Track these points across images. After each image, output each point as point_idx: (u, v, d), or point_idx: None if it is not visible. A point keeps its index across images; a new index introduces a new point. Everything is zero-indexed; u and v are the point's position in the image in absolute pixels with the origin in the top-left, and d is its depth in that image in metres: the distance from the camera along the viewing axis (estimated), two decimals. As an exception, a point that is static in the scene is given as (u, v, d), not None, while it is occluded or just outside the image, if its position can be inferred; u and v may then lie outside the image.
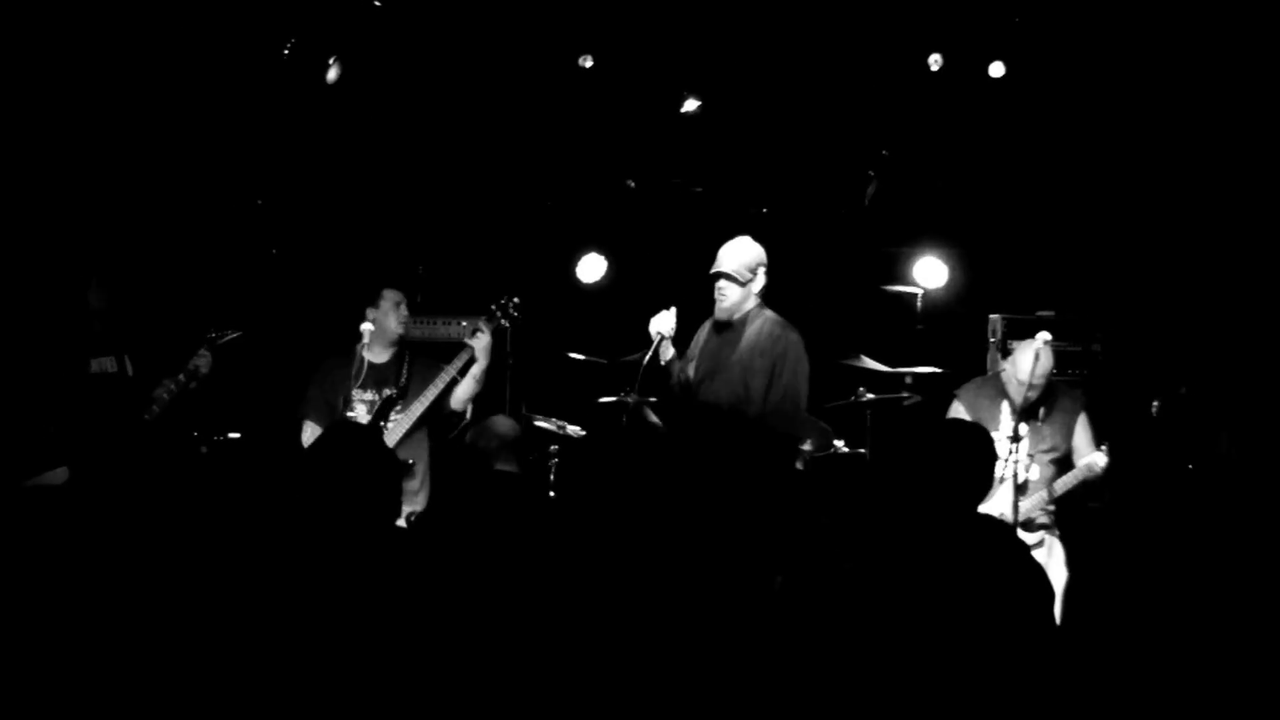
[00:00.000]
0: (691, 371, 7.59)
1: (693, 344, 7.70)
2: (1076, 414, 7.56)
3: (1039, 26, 8.87)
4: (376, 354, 7.77)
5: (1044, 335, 7.39)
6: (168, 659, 3.61)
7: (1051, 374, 7.51)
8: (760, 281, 7.50)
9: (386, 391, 7.63)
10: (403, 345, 7.85)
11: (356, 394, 7.66)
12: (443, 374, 7.66)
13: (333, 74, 9.11)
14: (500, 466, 6.40)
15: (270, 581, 3.76)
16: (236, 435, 7.83)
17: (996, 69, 9.11)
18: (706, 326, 7.68)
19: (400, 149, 9.83)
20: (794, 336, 7.42)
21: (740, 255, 7.49)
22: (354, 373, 7.59)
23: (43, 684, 3.61)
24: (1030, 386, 7.29)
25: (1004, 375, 7.58)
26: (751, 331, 7.45)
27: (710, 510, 3.29)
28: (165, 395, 7.47)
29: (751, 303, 7.51)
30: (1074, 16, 8.78)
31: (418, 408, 7.58)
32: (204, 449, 7.65)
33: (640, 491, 3.89)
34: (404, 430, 7.53)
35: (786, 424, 7.30)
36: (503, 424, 6.61)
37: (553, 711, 3.42)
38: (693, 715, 3.30)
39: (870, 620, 3.84)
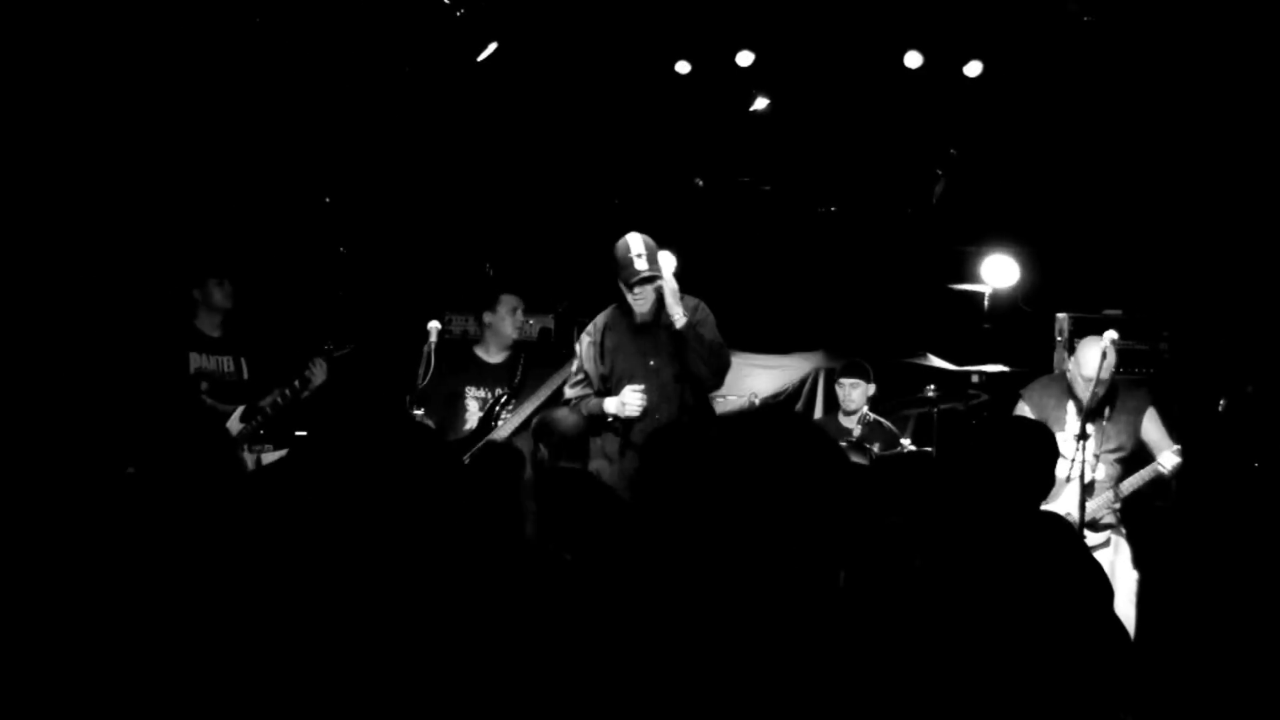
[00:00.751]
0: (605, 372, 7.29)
1: (593, 349, 7.31)
2: (1143, 411, 7.46)
3: (1109, 26, 8.82)
4: (492, 354, 8.02)
5: (1111, 333, 7.32)
6: (204, 653, 3.67)
7: (1115, 372, 7.45)
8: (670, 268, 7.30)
9: (499, 390, 7.83)
10: (517, 348, 8.08)
11: (470, 390, 7.89)
12: (553, 378, 7.75)
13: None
14: (564, 464, 6.38)
15: (312, 577, 3.81)
16: (303, 433, 7.94)
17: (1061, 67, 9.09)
18: (615, 328, 7.31)
19: (470, 147, 9.89)
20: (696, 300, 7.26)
21: (666, 260, 7.28)
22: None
23: (83, 673, 3.67)
24: (1098, 382, 7.22)
25: (1069, 374, 7.52)
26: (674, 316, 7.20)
27: (773, 506, 3.32)
28: (278, 400, 7.61)
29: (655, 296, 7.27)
30: (1144, 14, 8.72)
31: (528, 408, 7.66)
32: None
33: (705, 487, 3.92)
34: (511, 429, 7.63)
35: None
36: (566, 419, 6.56)
37: (619, 704, 3.46)
38: (754, 710, 3.33)
39: (934, 617, 3.86)
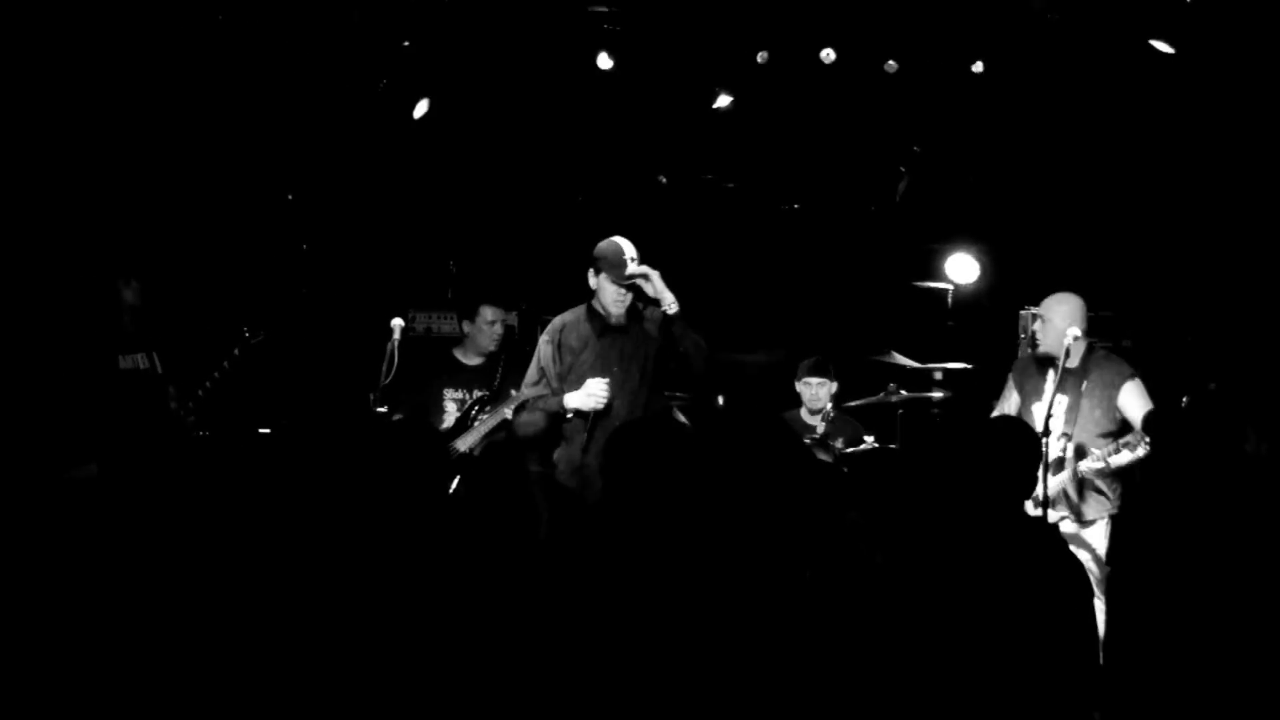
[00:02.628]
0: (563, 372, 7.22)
1: (550, 349, 7.24)
2: (1119, 386, 7.20)
3: (1072, 24, 8.84)
4: (470, 358, 8.12)
5: (1074, 329, 7.18)
6: (189, 651, 3.64)
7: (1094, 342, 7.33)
8: None
9: (478, 392, 7.91)
10: (495, 354, 8.12)
11: (448, 392, 7.98)
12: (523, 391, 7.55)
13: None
14: (533, 467, 6.39)
15: (297, 574, 3.78)
16: (266, 430, 7.89)
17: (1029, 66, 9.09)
18: (578, 330, 7.24)
19: (432, 145, 9.85)
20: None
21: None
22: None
23: (64, 674, 3.64)
24: (1071, 337, 7.09)
25: (1038, 334, 7.34)
26: (646, 315, 7.23)
27: (739, 506, 3.31)
28: (200, 394, 7.55)
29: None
30: (1106, 15, 8.75)
31: (505, 410, 7.58)
32: (236, 441, 7.71)
33: (672, 488, 3.91)
34: (488, 429, 7.64)
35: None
36: (523, 422, 6.60)
37: (587, 705, 3.44)
38: (722, 710, 3.32)
39: (899, 614, 3.85)
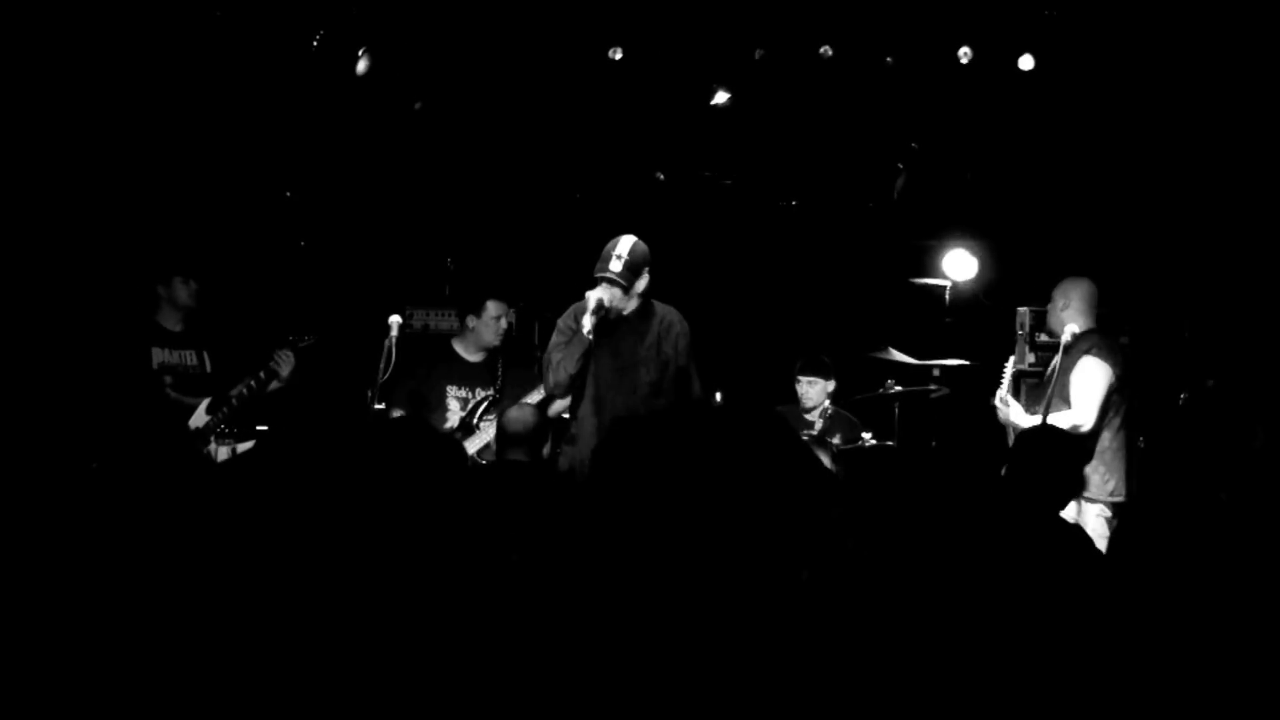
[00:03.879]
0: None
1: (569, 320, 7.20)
2: (1074, 365, 7.27)
3: (1069, 19, 8.84)
4: (470, 354, 8.11)
5: (1072, 327, 7.29)
6: (188, 652, 3.63)
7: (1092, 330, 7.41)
8: (644, 281, 7.12)
9: (482, 392, 7.92)
10: (495, 349, 8.14)
11: (451, 390, 7.97)
12: (537, 390, 7.61)
13: (362, 65, 9.16)
14: (512, 456, 6.39)
15: (296, 574, 3.78)
16: (262, 429, 7.91)
17: (1026, 62, 9.06)
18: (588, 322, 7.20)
19: (429, 141, 9.85)
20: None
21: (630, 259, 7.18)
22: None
23: (55, 677, 3.63)
24: (1069, 335, 7.25)
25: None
26: (656, 320, 7.21)
27: (735, 502, 3.30)
28: (244, 392, 7.58)
29: (635, 301, 7.16)
30: (1104, 9, 8.75)
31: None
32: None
33: (666, 482, 3.90)
34: (491, 437, 7.59)
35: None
36: (515, 414, 6.58)
37: (575, 706, 3.44)
38: (720, 709, 3.31)
39: (892, 610, 3.86)
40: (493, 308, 8.05)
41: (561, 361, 6.93)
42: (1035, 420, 7.08)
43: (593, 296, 6.91)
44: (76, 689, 3.53)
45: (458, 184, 10.24)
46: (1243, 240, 9.31)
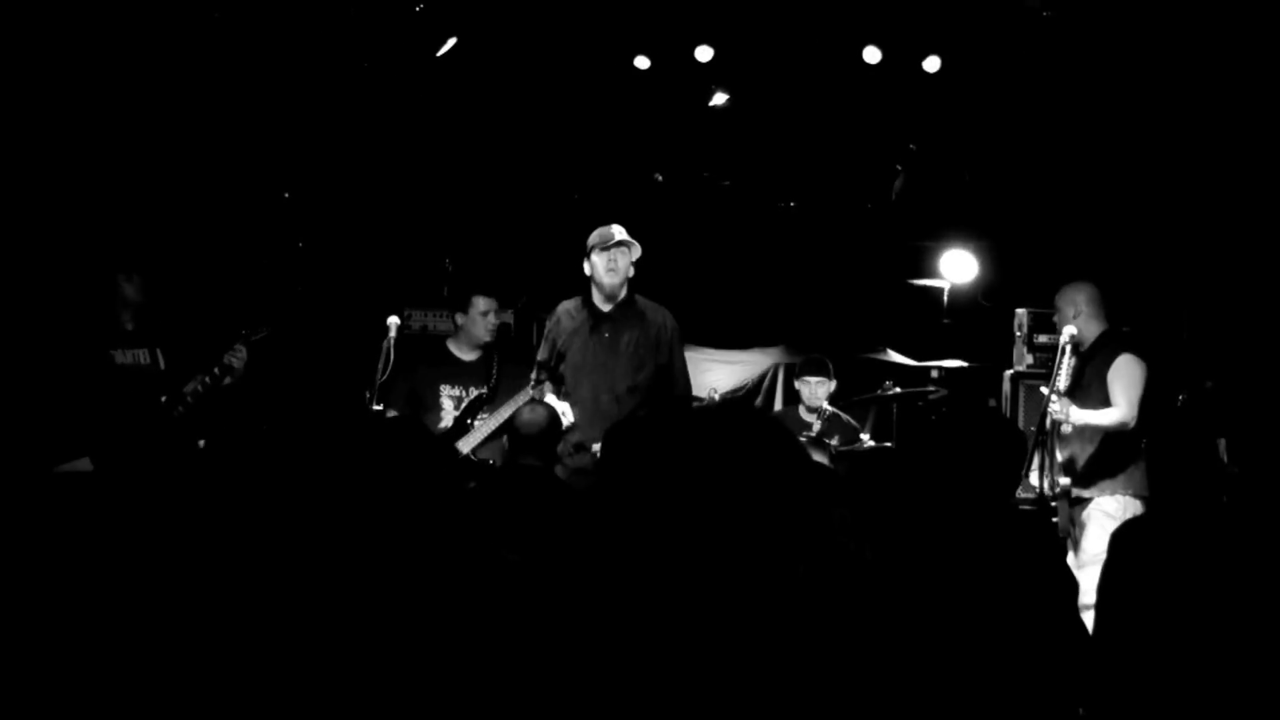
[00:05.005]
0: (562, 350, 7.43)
1: (561, 324, 7.49)
2: (1110, 362, 7.29)
3: (1067, 20, 8.84)
4: (465, 352, 7.96)
5: (1070, 328, 7.31)
6: (181, 654, 3.63)
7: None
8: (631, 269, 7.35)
9: (475, 390, 7.78)
10: (490, 347, 8.00)
11: (445, 389, 7.82)
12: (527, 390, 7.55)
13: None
14: (525, 460, 6.31)
15: (294, 575, 3.77)
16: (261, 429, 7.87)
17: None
18: (578, 317, 7.44)
19: (428, 142, 9.86)
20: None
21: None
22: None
23: (52, 678, 3.63)
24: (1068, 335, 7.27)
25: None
26: (646, 318, 7.35)
27: (731, 502, 3.30)
28: (198, 388, 7.53)
29: (623, 293, 7.36)
30: (1102, 9, 8.75)
31: (506, 410, 7.42)
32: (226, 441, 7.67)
33: (663, 483, 3.90)
34: (490, 430, 7.55)
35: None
36: (529, 416, 6.47)
37: (576, 704, 3.44)
38: (714, 709, 3.31)
39: (891, 612, 3.85)
40: (480, 303, 7.91)
41: (536, 419, 6.99)
42: (1075, 414, 7.16)
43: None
44: (69, 687, 3.53)
45: (456, 185, 10.24)
46: (1241, 241, 9.30)
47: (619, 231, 7.25)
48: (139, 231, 8.56)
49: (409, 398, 7.76)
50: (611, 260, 7.22)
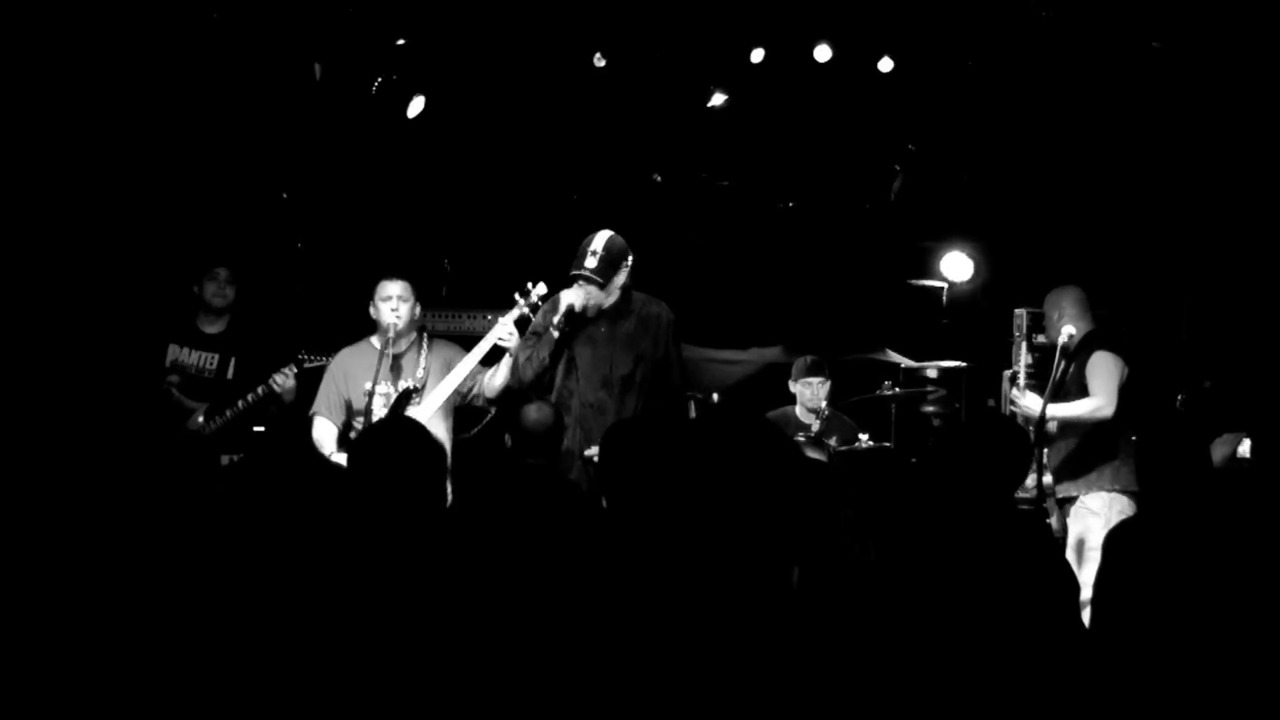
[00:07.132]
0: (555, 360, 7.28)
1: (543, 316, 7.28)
2: (1085, 364, 7.42)
3: (1066, 21, 8.84)
4: (398, 345, 7.29)
5: (1069, 328, 7.38)
6: (186, 653, 3.63)
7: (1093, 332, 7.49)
8: (623, 275, 7.22)
9: (403, 384, 7.19)
10: (420, 336, 7.42)
11: (378, 389, 7.18)
12: (463, 363, 7.22)
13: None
14: (530, 461, 6.24)
15: (293, 575, 3.77)
16: (260, 429, 7.84)
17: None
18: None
19: (426, 142, 9.84)
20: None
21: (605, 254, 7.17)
22: (374, 366, 7.22)
23: (60, 678, 3.63)
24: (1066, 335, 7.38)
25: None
26: (643, 311, 7.30)
27: (727, 503, 3.31)
28: (240, 406, 7.51)
29: (615, 295, 7.24)
30: (1102, 10, 8.74)
31: (435, 399, 7.17)
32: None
33: (662, 484, 3.90)
34: (433, 409, 7.14)
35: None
36: (535, 414, 6.32)
37: (573, 704, 3.44)
38: (710, 710, 3.31)
39: (890, 614, 3.85)
40: (385, 288, 7.29)
41: (528, 360, 7.09)
42: (1050, 408, 7.29)
43: (565, 299, 7.11)
44: (72, 683, 3.53)
45: (455, 186, 10.22)
46: (1240, 241, 9.30)
47: (588, 259, 7.07)
48: (225, 235, 8.59)
49: (339, 404, 7.35)
50: (579, 286, 7.11)
